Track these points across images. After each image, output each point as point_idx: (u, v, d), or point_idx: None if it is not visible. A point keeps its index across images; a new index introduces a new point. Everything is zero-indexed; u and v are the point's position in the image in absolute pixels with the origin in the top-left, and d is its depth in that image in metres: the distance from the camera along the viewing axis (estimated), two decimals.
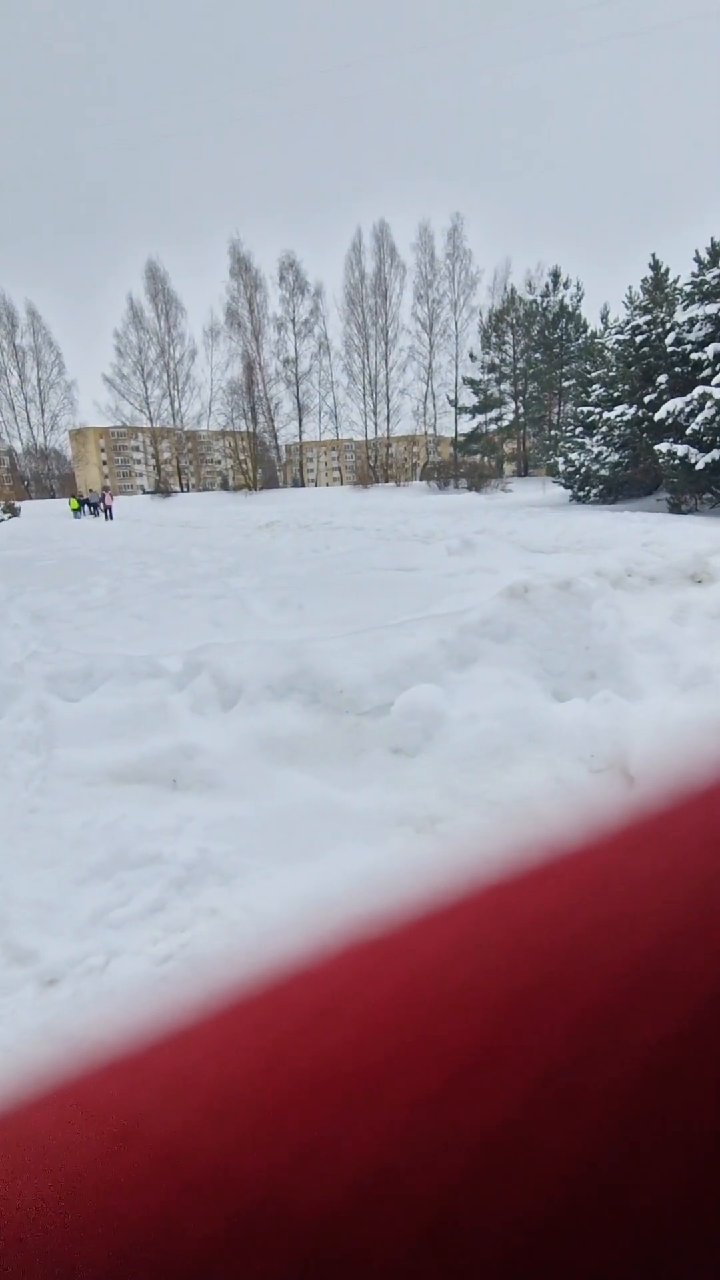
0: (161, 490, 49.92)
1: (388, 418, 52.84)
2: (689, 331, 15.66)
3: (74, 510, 31.37)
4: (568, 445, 22.41)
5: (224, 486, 59.48)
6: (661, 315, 17.30)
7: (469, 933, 0.17)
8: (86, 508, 31.20)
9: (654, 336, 17.01)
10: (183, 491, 54.45)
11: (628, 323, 18.22)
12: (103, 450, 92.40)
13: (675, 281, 26.94)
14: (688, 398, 14.51)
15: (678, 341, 15.92)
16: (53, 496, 56.12)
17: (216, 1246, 0.13)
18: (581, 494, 21.29)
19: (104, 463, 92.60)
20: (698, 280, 16.63)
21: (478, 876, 0.19)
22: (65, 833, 2.15)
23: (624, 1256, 0.12)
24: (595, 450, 20.20)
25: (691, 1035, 0.13)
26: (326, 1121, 0.14)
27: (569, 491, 22.36)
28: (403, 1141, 0.14)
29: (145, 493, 58.62)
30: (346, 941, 0.18)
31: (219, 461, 70.58)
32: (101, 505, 29.07)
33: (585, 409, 21.89)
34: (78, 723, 2.75)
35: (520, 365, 43.96)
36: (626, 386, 18.43)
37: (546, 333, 42.36)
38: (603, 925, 0.16)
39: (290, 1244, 0.13)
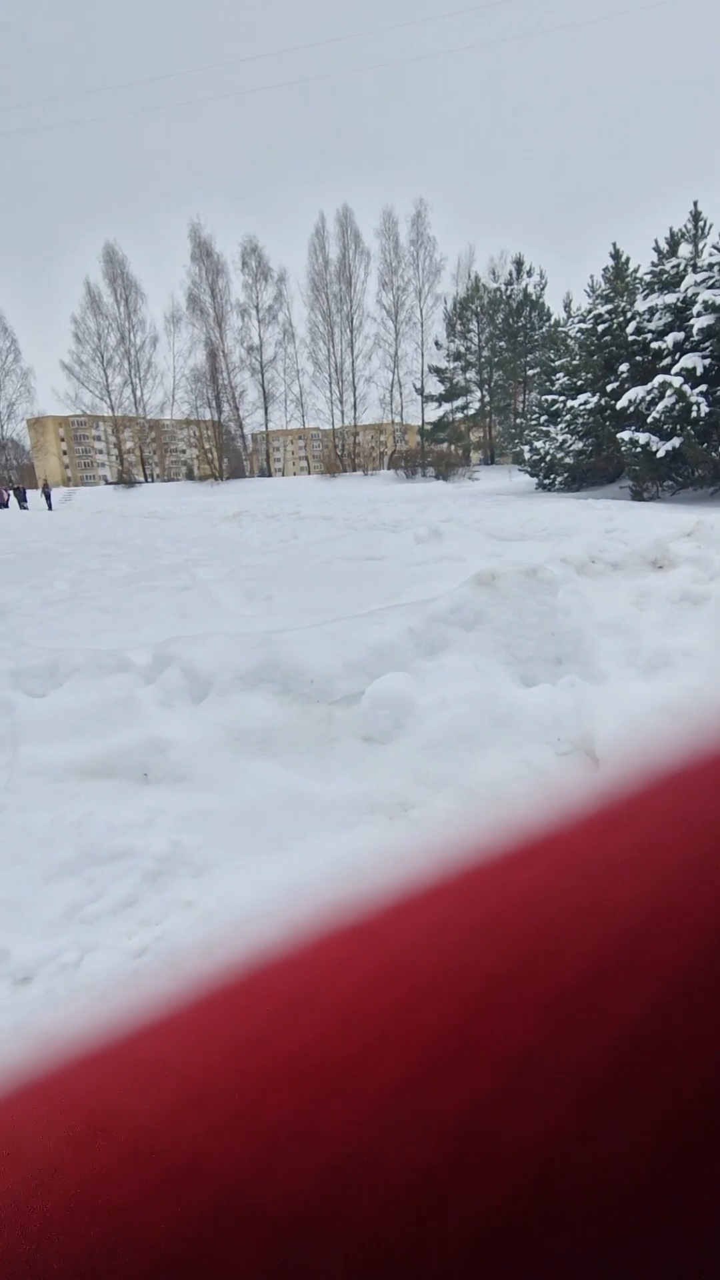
0: (125, 481, 48.81)
1: (354, 406, 52.59)
2: (649, 321, 15.88)
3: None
4: (533, 433, 22.63)
5: (189, 476, 58.47)
6: (623, 304, 17.50)
7: (444, 919, 0.17)
8: (29, 497, 32.66)
9: (615, 325, 17.21)
10: (147, 482, 53.40)
11: (590, 311, 18.42)
12: (63, 440, 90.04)
13: (636, 271, 27.30)
14: (648, 386, 14.73)
15: (638, 330, 16.13)
16: (11, 488, 54.55)
17: (191, 1238, 0.13)
18: (547, 482, 21.53)
19: (64, 453, 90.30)
20: (657, 270, 16.87)
21: (453, 863, 0.18)
22: (33, 830, 2.12)
23: (599, 1238, 0.12)
24: (560, 438, 20.42)
25: (663, 1018, 0.13)
26: (301, 1110, 0.14)
27: (534, 479, 22.60)
28: (378, 1129, 0.13)
29: (108, 483, 57.38)
30: (322, 930, 0.18)
31: (184, 451, 69.48)
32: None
33: (549, 397, 22.10)
34: (43, 719, 2.70)
35: (485, 353, 44.12)
36: (589, 375, 18.64)
37: (511, 321, 42.55)
38: (576, 910, 0.16)
39: (266, 1234, 0.13)
